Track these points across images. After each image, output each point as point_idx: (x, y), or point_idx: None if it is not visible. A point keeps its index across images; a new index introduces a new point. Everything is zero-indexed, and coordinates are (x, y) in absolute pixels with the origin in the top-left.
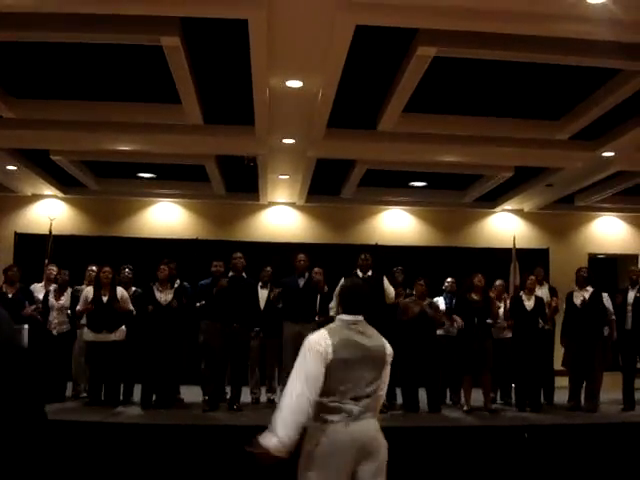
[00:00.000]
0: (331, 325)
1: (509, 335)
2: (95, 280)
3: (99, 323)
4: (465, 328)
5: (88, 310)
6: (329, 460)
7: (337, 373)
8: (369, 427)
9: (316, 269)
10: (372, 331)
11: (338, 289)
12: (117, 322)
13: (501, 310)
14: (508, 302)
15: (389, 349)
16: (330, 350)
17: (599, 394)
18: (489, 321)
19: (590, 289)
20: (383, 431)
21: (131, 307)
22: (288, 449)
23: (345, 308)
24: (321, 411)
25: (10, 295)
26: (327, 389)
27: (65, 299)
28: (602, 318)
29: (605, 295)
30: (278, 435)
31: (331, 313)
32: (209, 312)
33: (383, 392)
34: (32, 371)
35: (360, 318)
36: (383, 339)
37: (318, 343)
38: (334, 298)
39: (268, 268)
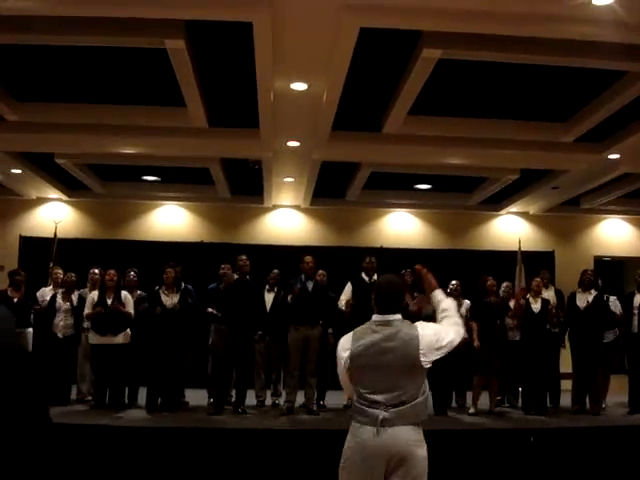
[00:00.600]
0: (361, 326)
1: (517, 338)
2: (100, 283)
3: (104, 326)
4: (485, 330)
5: (98, 313)
6: (356, 464)
7: (358, 376)
8: (401, 436)
9: (320, 271)
10: (402, 333)
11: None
12: (121, 325)
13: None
14: (512, 304)
15: (423, 354)
16: (348, 354)
17: (603, 398)
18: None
19: (594, 292)
20: None
21: (131, 311)
22: None
23: (375, 307)
24: (354, 411)
25: (15, 299)
26: (355, 390)
27: (71, 303)
28: (606, 322)
29: (613, 298)
30: None
31: (341, 307)
32: (217, 315)
33: (421, 399)
34: (35, 374)
35: (390, 318)
36: (417, 342)
37: (342, 348)
38: (342, 294)
39: (275, 271)
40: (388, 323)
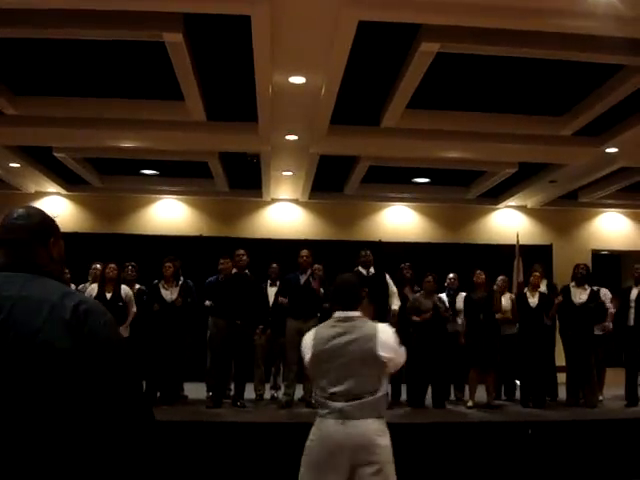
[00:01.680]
0: (323, 323)
1: (514, 331)
2: (100, 277)
3: None
4: (471, 325)
5: None
6: (321, 457)
7: (320, 370)
8: (363, 427)
9: (316, 266)
10: (363, 330)
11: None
12: (120, 318)
13: (503, 304)
14: (510, 297)
15: (381, 349)
16: (311, 349)
17: (597, 391)
18: (497, 317)
19: (588, 288)
20: (391, 427)
21: (134, 309)
22: None
23: (334, 304)
24: (317, 403)
25: None
26: (317, 383)
27: None
28: (599, 316)
29: (605, 290)
30: None
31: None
32: (215, 308)
33: (381, 393)
34: (137, 369)
35: (350, 314)
36: (375, 336)
37: (305, 344)
38: None
39: (274, 265)
40: (348, 319)
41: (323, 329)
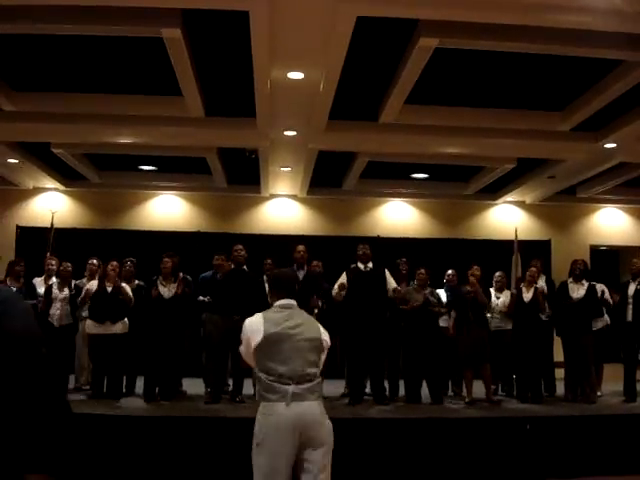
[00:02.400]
0: (267, 310)
1: (509, 327)
2: (102, 272)
3: (102, 314)
4: (460, 320)
5: (88, 296)
6: (272, 440)
7: (269, 353)
8: (311, 409)
9: (315, 262)
10: (305, 317)
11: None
12: (120, 313)
13: (501, 300)
14: (509, 293)
15: (324, 335)
16: (262, 332)
17: (595, 387)
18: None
19: (586, 283)
20: (386, 422)
21: (131, 295)
22: None
23: (277, 294)
24: (262, 389)
25: (15, 289)
26: (263, 367)
27: (67, 292)
28: (596, 311)
29: (602, 286)
30: None
31: (333, 294)
32: (211, 304)
33: (320, 378)
34: (51, 360)
35: (291, 302)
36: (317, 325)
37: (252, 328)
38: (336, 284)
39: (269, 261)
40: (291, 306)
41: (271, 314)
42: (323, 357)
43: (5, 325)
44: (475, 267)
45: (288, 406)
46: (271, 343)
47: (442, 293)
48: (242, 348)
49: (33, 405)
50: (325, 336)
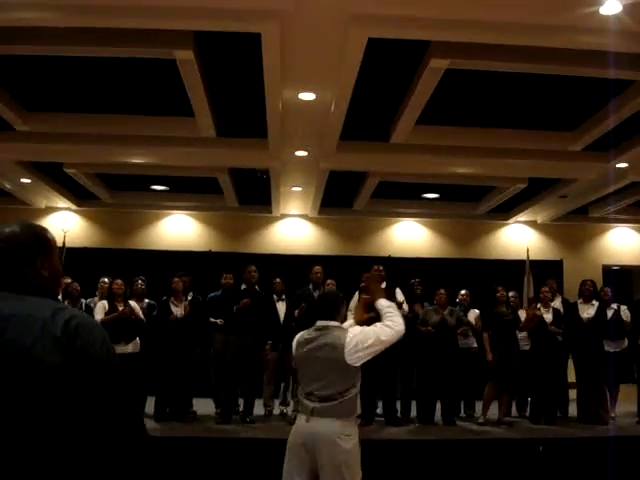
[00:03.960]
0: (306, 330)
1: (527, 348)
2: (108, 292)
3: (116, 335)
4: (496, 341)
5: (116, 317)
6: (291, 448)
7: (299, 368)
8: (326, 426)
9: (329, 281)
10: (333, 336)
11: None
12: (133, 333)
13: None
14: (522, 314)
15: (349, 356)
16: (294, 352)
17: (608, 407)
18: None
19: (596, 303)
20: (398, 444)
21: (142, 316)
22: None
23: (317, 315)
24: (297, 402)
25: None
26: (299, 383)
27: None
28: (618, 332)
29: (624, 307)
30: None
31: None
32: (221, 325)
33: (350, 396)
34: (128, 384)
35: (328, 323)
36: (343, 342)
37: (293, 346)
38: (350, 303)
39: (278, 280)
40: (325, 328)
41: (303, 335)
42: (354, 375)
43: (88, 351)
44: (500, 288)
45: (307, 420)
46: (298, 363)
47: (476, 311)
48: None
49: (121, 432)
50: (350, 357)
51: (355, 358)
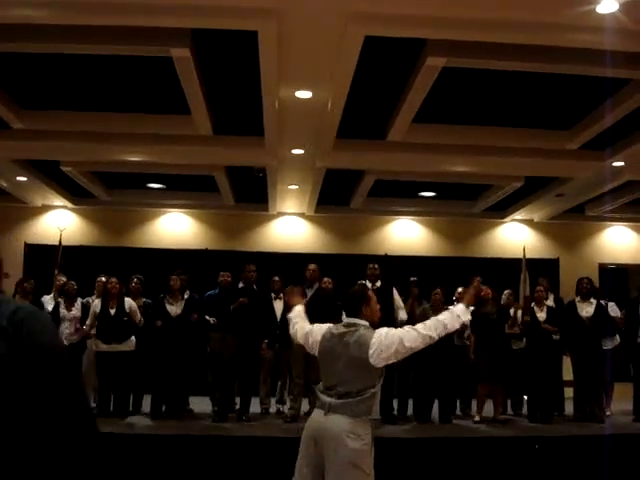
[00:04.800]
0: (333, 325)
1: (521, 346)
2: (102, 291)
3: (108, 334)
4: (481, 340)
5: (94, 326)
6: (305, 440)
7: (322, 362)
8: (338, 423)
9: (326, 279)
10: (359, 335)
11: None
12: (126, 333)
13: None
14: (519, 312)
15: (374, 356)
16: (319, 339)
17: (605, 405)
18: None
19: (594, 301)
20: (394, 442)
21: (139, 317)
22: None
23: (345, 311)
24: (314, 395)
25: None
26: (319, 378)
27: (76, 310)
28: (608, 329)
29: (612, 304)
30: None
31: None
32: (219, 323)
33: (368, 396)
34: (78, 376)
35: (356, 321)
36: (369, 342)
37: (318, 330)
38: None
39: (276, 278)
40: (353, 325)
41: (332, 329)
42: (372, 375)
43: (34, 340)
44: (485, 287)
45: (322, 415)
46: (323, 355)
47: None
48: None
49: (65, 423)
50: (374, 358)
51: (379, 359)
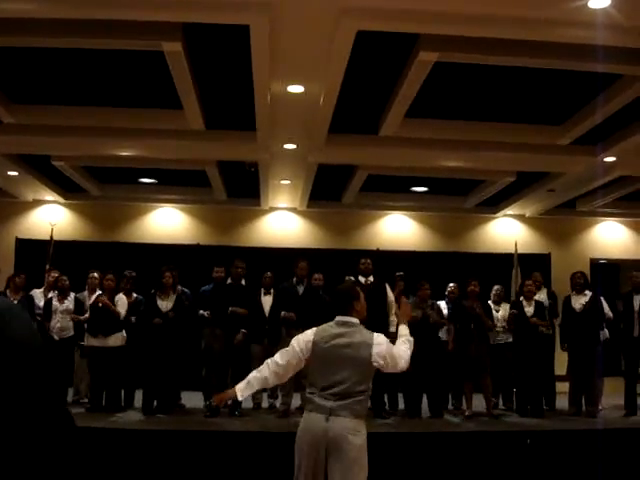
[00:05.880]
0: (323, 324)
1: (510, 340)
2: (100, 287)
3: (95, 327)
4: (461, 334)
5: (76, 320)
6: (304, 446)
7: (315, 366)
8: (341, 424)
9: (316, 275)
10: (360, 334)
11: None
12: (112, 326)
13: (500, 314)
14: (507, 306)
15: (376, 356)
16: (311, 342)
17: (599, 400)
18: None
19: (589, 293)
20: (384, 437)
21: (120, 310)
22: (235, 393)
23: (335, 310)
24: (305, 400)
25: (15, 302)
26: (309, 381)
27: (67, 304)
28: (600, 323)
29: (601, 299)
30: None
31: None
32: (210, 318)
33: (365, 396)
34: (53, 370)
35: (349, 320)
36: (371, 343)
37: (304, 337)
38: None
39: (269, 273)
40: (347, 324)
41: (325, 329)
42: (371, 376)
43: (6, 333)
44: (473, 282)
45: (323, 419)
46: (318, 357)
47: (443, 305)
48: (278, 356)
49: (34, 415)
50: (377, 359)
51: (379, 361)
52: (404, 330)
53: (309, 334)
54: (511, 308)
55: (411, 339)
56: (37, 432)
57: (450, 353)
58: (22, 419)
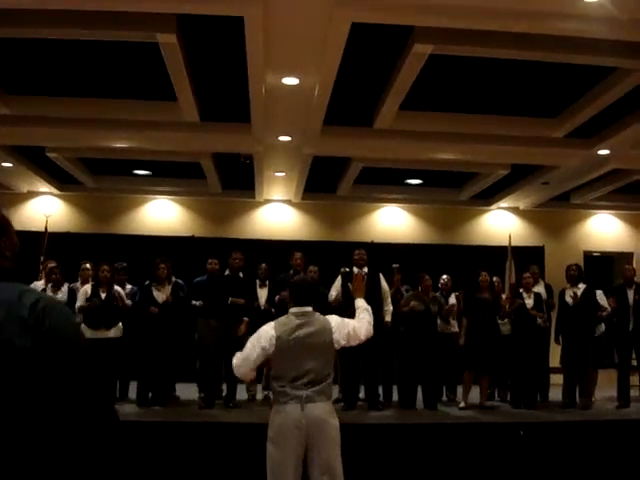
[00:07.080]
0: (281, 317)
1: (507, 332)
2: (94, 278)
3: (97, 320)
4: (474, 326)
5: (93, 306)
6: (284, 437)
7: (282, 359)
8: (319, 409)
9: (311, 267)
10: (318, 321)
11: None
12: (114, 319)
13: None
14: (504, 297)
15: (338, 337)
16: (274, 338)
17: (593, 392)
18: (498, 320)
19: (582, 286)
20: (380, 428)
21: (128, 301)
22: None
23: (293, 301)
24: (275, 395)
25: None
26: (276, 375)
27: (61, 295)
28: (595, 315)
29: (599, 292)
30: None
31: (330, 300)
32: (204, 310)
33: (331, 379)
34: (98, 367)
35: (306, 309)
36: (330, 327)
37: (265, 333)
38: (332, 288)
39: (264, 265)
40: (305, 314)
41: (284, 322)
42: (333, 358)
43: (56, 334)
44: (483, 273)
45: (299, 408)
46: (282, 352)
47: (452, 299)
48: (240, 356)
49: (88, 416)
50: (339, 339)
51: (341, 342)
52: (360, 302)
53: (268, 330)
54: (509, 302)
55: (368, 307)
56: (88, 428)
57: (451, 345)
58: (73, 416)
